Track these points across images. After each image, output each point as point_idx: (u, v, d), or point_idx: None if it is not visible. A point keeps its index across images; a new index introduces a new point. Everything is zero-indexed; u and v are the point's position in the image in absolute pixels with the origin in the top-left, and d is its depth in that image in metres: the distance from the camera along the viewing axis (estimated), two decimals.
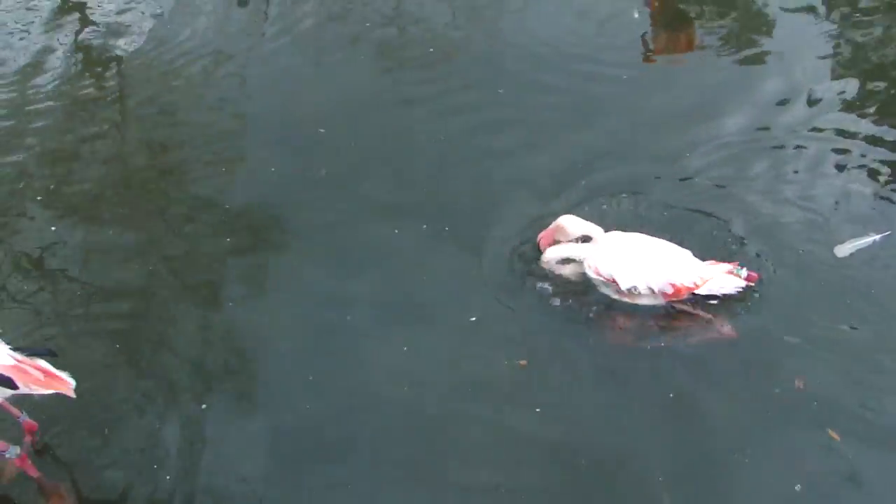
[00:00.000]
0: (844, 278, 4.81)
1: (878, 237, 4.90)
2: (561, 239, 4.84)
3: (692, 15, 7.18)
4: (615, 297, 4.76)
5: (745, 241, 5.04)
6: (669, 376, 4.51)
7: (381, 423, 4.45)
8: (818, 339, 4.56)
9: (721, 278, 4.63)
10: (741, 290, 4.62)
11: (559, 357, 4.67)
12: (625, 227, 4.93)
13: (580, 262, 4.82)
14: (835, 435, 4.18)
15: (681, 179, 5.55)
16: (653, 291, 4.65)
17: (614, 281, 4.69)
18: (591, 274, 4.76)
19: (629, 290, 4.66)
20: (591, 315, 4.79)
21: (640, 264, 4.65)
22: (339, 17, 7.46)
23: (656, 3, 7.17)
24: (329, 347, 4.79)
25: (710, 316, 4.66)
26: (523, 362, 4.62)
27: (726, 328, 4.62)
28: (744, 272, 4.62)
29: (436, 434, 4.40)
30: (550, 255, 4.88)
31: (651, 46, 6.88)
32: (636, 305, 4.74)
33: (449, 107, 6.30)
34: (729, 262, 4.73)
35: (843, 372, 4.43)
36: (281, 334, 4.89)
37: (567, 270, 4.90)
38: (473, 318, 4.83)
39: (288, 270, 5.26)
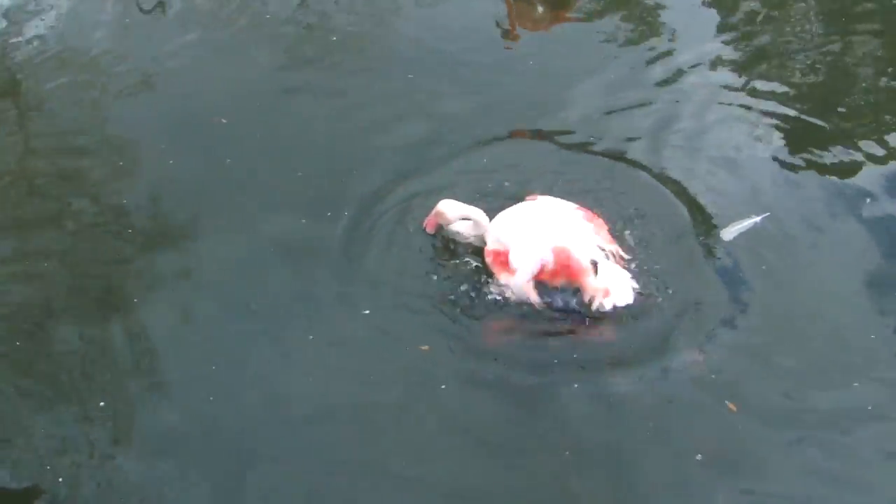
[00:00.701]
0: (733, 258, 4.96)
1: (758, 218, 5.07)
2: (442, 223, 4.86)
3: None
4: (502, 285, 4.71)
5: (630, 222, 5.12)
6: (565, 362, 4.53)
7: (292, 416, 4.35)
8: (713, 318, 4.68)
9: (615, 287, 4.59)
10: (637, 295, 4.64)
11: (460, 340, 4.64)
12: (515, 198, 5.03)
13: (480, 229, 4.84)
14: (732, 406, 4.29)
15: (568, 145, 5.75)
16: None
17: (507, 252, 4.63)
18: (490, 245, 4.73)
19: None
20: (486, 300, 4.77)
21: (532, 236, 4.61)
22: (237, 8, 7.33)
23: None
24: (233, 345, 4.66)
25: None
26: (426, 347, 4.59)
27: (609, 331, 4.64)
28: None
29: (345, 423, 4.34)
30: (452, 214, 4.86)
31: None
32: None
33: (349, 92, 6.33)
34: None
35: (738, 346, 4.57)
36: (183, 335, 4.75)
37: (467, 231, 4.91)
38: (367, 311, 4.77)
39: (189, 268, 5.11)
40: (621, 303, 4.58)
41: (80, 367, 4.54)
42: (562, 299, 4.65)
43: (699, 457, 4.12)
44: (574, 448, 4.18)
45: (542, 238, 4.58)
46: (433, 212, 4.82)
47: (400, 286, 4.89)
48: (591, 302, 4.59)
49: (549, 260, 4.55)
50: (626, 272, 4.67)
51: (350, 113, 6.09)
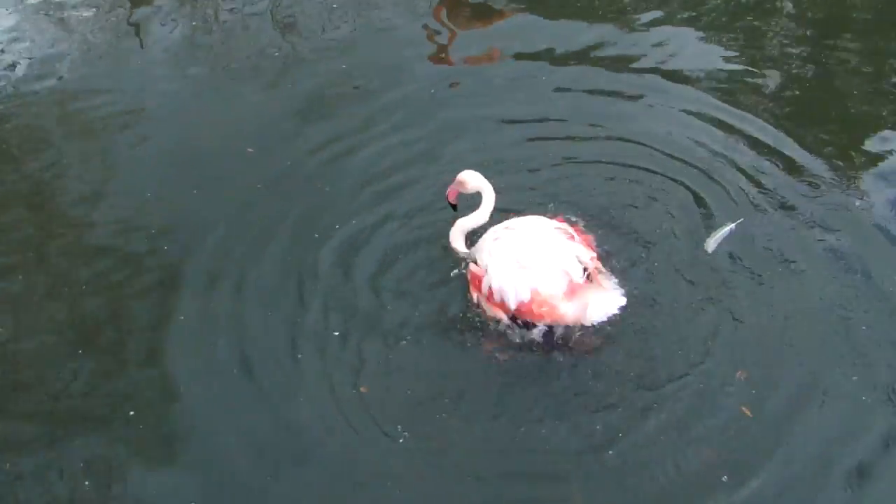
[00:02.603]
0: (719, 266, 4.51)
1: (733, 225, 4.72)
2: (462, 191, 4.67)
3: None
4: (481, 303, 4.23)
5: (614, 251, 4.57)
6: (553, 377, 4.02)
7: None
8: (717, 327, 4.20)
9: (595, 303, 4.05)
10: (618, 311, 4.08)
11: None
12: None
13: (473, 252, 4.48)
14: (747, 411, 3.82)
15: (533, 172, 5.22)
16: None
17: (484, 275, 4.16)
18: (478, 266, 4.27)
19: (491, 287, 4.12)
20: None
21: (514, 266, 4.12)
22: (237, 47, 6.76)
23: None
24: (239, 381, 4.16)
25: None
26: (364, 388, 3.97)
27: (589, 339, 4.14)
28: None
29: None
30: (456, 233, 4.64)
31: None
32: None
33: (353, 117, 5.77)
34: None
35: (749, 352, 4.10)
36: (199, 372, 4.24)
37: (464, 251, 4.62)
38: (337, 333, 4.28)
39: (201, 303, 4.57)
40: (600, 318, 4.07)
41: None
42: (539, 333, 4.18)
43: (725, 478, 3.62)
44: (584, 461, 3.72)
45: (520, 272, 4.12)
46: (455, 181, 4.63)
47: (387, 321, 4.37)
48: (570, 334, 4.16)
49: (526, 300, 4.08)
50: (610, 283, 4.18)
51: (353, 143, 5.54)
